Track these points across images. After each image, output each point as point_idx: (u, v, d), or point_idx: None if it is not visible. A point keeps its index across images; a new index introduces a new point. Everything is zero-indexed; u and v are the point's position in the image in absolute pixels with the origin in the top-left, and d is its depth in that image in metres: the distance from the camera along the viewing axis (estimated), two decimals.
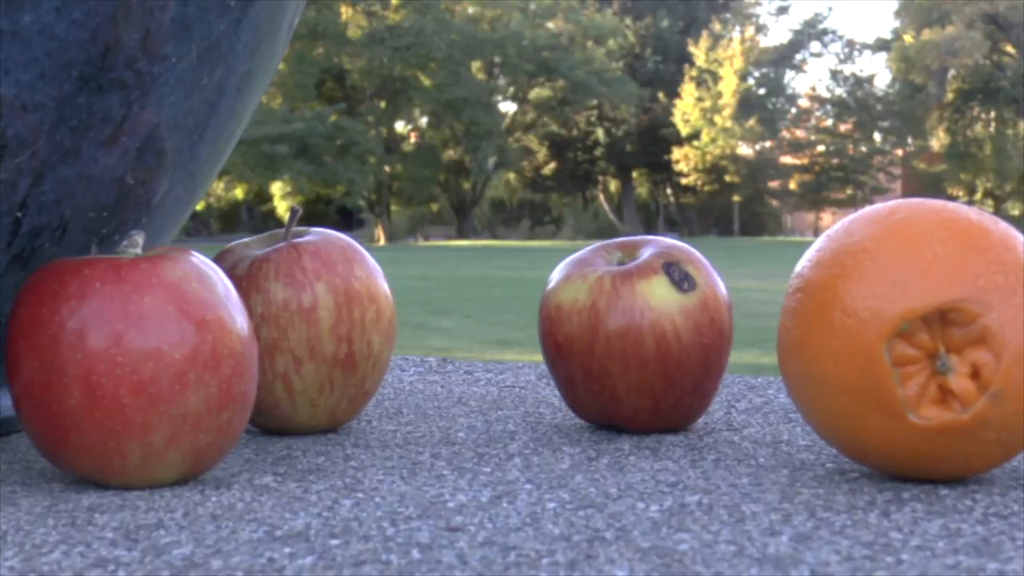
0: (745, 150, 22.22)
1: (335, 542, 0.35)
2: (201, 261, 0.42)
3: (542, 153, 23.12)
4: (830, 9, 37.72)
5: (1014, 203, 21.28)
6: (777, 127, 22.41)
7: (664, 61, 22.97)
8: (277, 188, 19.02)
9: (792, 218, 25.37)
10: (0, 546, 0.35)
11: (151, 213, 0.48)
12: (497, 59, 20.72)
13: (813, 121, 23.08)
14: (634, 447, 0.48)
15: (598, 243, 0.53)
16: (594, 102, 21.81)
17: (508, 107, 22.40)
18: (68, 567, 0.33)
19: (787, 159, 22.72)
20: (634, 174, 23.66)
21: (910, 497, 0.39)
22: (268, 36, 0.48)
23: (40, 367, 0.39)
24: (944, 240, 0.39)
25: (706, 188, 22.51)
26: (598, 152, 23.14)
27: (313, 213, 19.20)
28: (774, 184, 22.97)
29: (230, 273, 0.48)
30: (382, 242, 20.40)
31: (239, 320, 0.41)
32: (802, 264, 0.41)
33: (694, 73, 21.77)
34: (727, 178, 21.89)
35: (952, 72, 21.15)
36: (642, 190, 24.64)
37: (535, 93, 21.85)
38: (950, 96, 21.22)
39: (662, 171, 23.25)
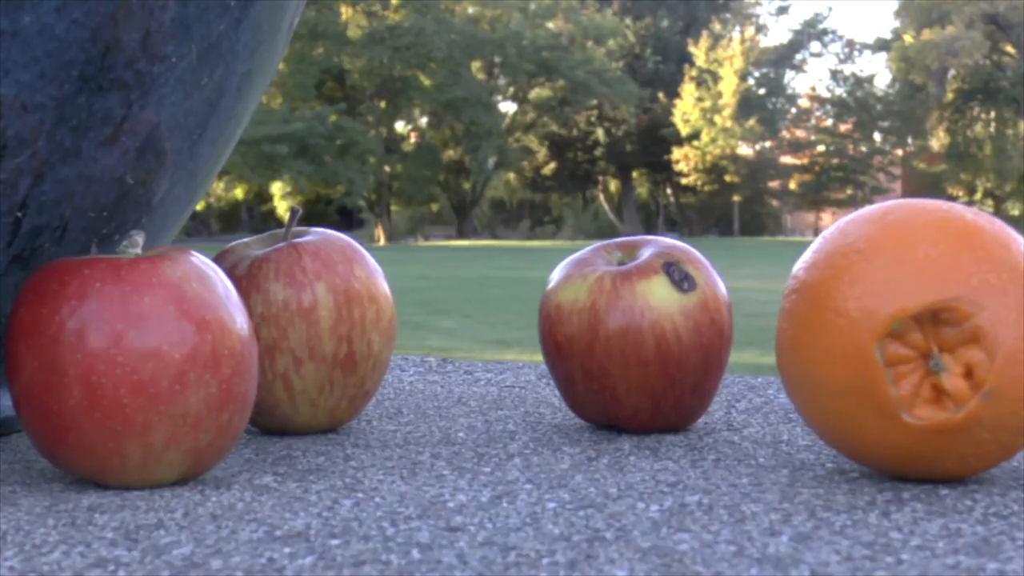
0: (745, 150, 22.22)
1: (335, 542, 0.35)
2: (201, 261, 0.42)
3: (542, 153, 23.12)
4: (830, 9, 37.75)
5: (1014, 203, 21.28)
6: (777, 127, 22.41)
7: (664, 61, 22.97)
8: (277, 188, 19.02)
9: (792, 218, 25.37)
10: (0, 546, 0.35)
11: (151, 213, 0.48)
12: (497, 59, 20.72)
13: (813, 121, 23.09)
14: (634, 447, 0.48)
15: (598, 243, 0.53)
16: (594, 102, 21.81)
17: (508, 107, 22.42)
18: (68, 567, 0.33)
19: (787, 159, 22.72)
20: (634, 174, 23.66)
21: (910, 497, 0.39)
22: (268, 36, 0.48)
23: (40, 367, 0.39)
24: (937, 240, 0.39)
25: (706, 188, 22.51)
26: (598, 152, 23.14)
27: (313, 213, 19.20)
28: (774, 184, 22.97)
29: (230, 273, 0.48)
30: (382, 242, 20.40)
31: (239, 320, 0.41)
32: (798, 266, 0.42)
33: (694, 73, 21.77)
34: (727, 178, 21.89)
35: (952, 72, 21.15)
36: (642, 190, 24.64)
37: (535, 93, 21.86)
38: (950, 96, 21.22)
39: (662, 171, 23.25)
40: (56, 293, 0.40)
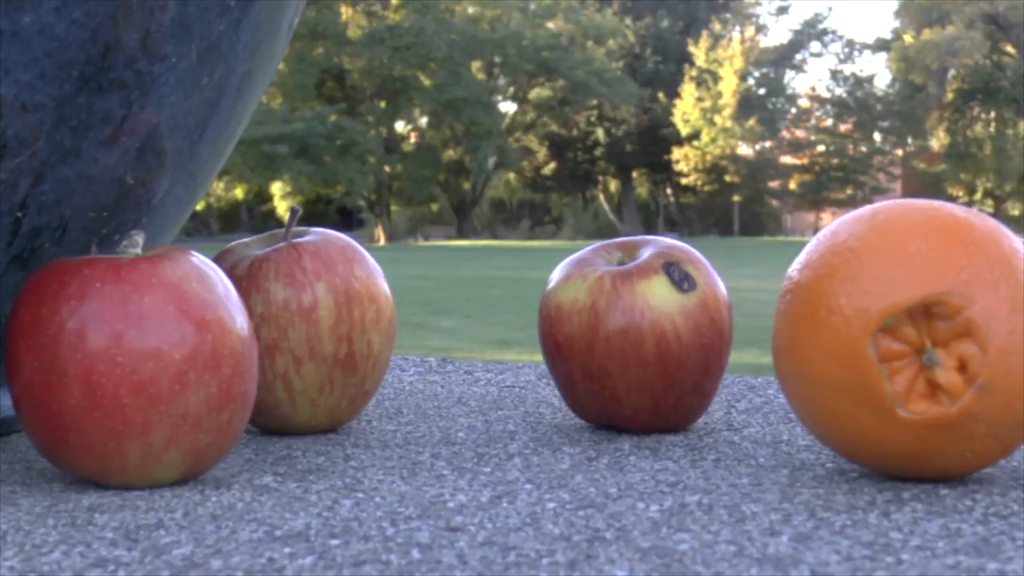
0: (745, 150, 22.22)
1: (335, 542, 0.35)
2: (201, 261, 0.42)
3: (542, 153, 23.12)
4: (830, 9, 37.75)
5: (1014, 203, 21.28)
6: (777, 127, 22.41)
7: (664, 61, 22.97)
8: (277, 188, 19.02)
9: (792, 218, 25.37)
10: (0, 546, 0.35)
11: (151, 213, 0.48)
12: (497, 59, 20.72)
13: (813, 121, 23.09)
14: (634, 447, 0.48)
15: (598, 243, 0.53)
16: (594, 102, 21.81)
17: (508, 107, 22.42)
18: (68, 567, 0.33)
19: (787, 159, 22.72)
20: (634, 174, 23.66)
21: (910, 497, 0.39)
22: (268, 36, 0.48)
23: (40, 367, 0.39)
24: (928, 235, 0.39)
25: (706, 188, 22.51)
26: (598, 152, 23.14)
27: (313, 213, 19.20)
28: (774, 184, 22.97)
29: (230, 273, 0.48)
30: (382, 242, 20.40)
31: (239, 320, 0.41)
32: (792, 268, 0.42)
33: (694, 73, 21.77)
34: (727, 178, 21.89)
35: (952, 72, 21.16)
36: (642, 190, 24.64)
37: (535, 93, 21.86)
38: (950, 96, 21.23)
39: (662, 171, 23.25)
40: (56, 293, 0.40)
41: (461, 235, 22.96)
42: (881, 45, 22.84)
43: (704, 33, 22.21)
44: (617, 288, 0.48)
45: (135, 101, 0.43)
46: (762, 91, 22.53)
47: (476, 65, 20.61)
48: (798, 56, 23.52)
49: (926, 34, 20.40)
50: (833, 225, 0.42)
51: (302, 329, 0.48)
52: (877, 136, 22.77)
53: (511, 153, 21.31)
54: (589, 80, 20.02)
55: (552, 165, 23.22)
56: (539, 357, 0.56)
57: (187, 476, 0.42)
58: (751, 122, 21.27)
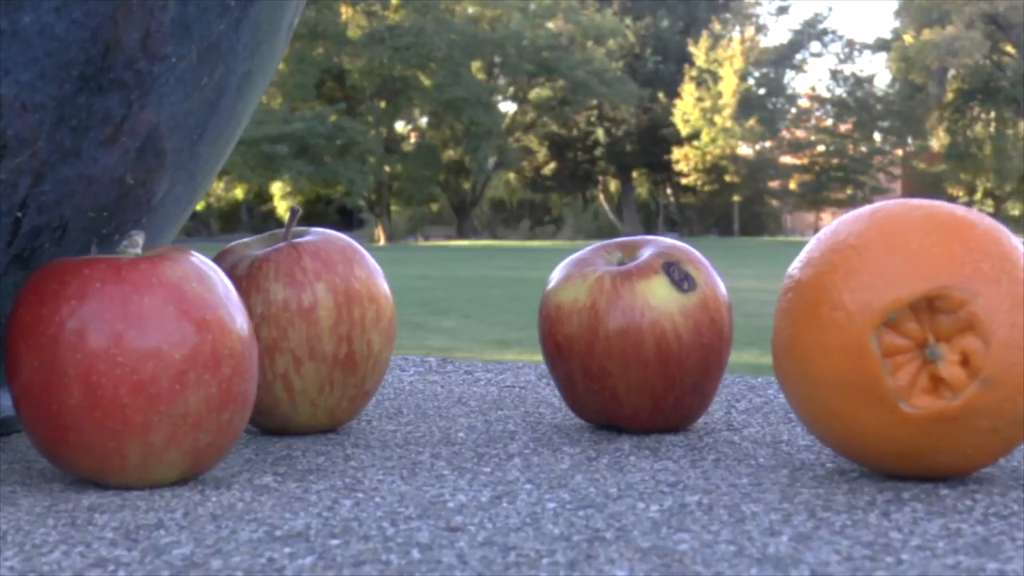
0: (745, 150, 22.23)
1: (335, 542, 0.35)
2: (201, 261, 0.42)
3: (542, 153, 23.12)
4: (830, 9, 37.77)
5: (1014, 203, 21.29)
6: (777, 127, 22.41)
7: (664, 61, 22.97)
8: (277, 188, 19.02)
9: (792, 218, 25.37)
10: (0, 546, 0.35)
11: (151, 213, 0.48)
12: (497, 59, 20.72)
13: (813, 121, 23.09)
14: (634, 447, 0.48)
15: (598, 243, 0.53)
16: (594, 102, 21.81)
17: (508, 107, 22.42)
18: (68, 567, 0.33)
19: (787, 159, 22.72)
20: (634, 174, 23.66)
21: (910, 497, 0.39)
22: (268, 36, 0.48)
23: (40, 367, 0.39)
24: (929, 231, 0.39)
25: (706, 188, 22.51)
26: (598, 152, 23.14)
27: (313, 213, 19.20)
28: (774, 184, 22.97)
29: (230, 273, 0.48)
30: (382, 242, 20.40)
31: (239, 320, 0.41)
32: (793, 266, 0.42)
33: (694, 73, 21.77)
34: (727, 178, 21.89)
35: (952, 72, 21.15)
36: (642, 190, 24.64)
37: (535, 93, 21.86)
38: (950, 96, 21.23)
39: (662, 171, 23.24)
40: (56, 293, 0.40)
41: (461, 235, 22.96)
42: (881, 45, 22.84)
43: (704, 33, 22.21)
44: (617, 288, 0.48)
45: (135, 101, 0.43)
46: (762, 91, 22.53)
47: (476, 65, 20.61)
48: (798, 56, 23.53)
49: (926, 34, 20.40)
50: (833, 224, 0.42)
51: (302, 329, 0.48)
52: (877, 136, 22.78)
53: (511, 153, 21.31)
54: (589, 80, 20.02)
55: (552, 165, 23.23)
56: (539, 357, 0.56)
57: (187, 476, 0.42)
58: (751, 122, 21.27)
